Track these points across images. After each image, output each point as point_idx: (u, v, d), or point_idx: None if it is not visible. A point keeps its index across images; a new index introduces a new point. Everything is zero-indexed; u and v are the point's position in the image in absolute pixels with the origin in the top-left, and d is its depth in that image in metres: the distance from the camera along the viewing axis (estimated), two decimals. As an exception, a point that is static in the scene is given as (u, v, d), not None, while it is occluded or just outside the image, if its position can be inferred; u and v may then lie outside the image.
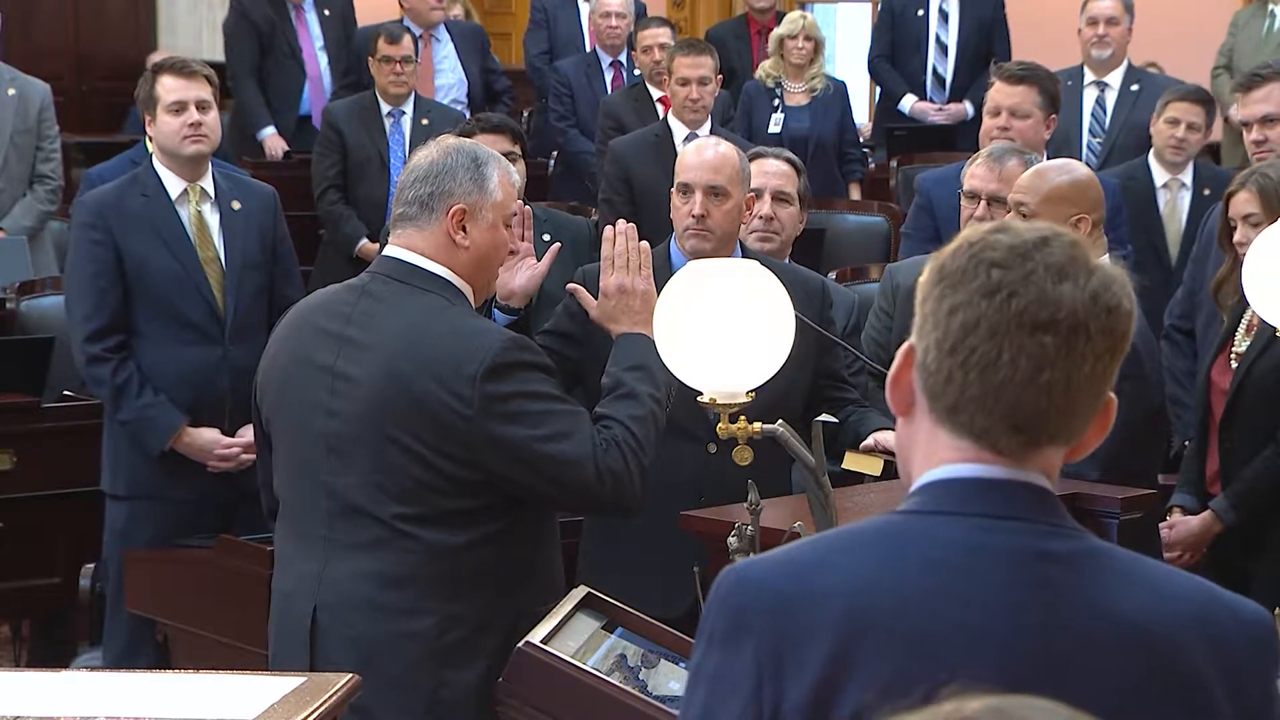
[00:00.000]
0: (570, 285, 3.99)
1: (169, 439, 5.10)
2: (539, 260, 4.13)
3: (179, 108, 5.16)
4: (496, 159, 3.54)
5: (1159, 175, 6.74)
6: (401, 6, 9.29)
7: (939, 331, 1.86)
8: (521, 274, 4.11)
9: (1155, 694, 1.82)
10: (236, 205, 5.24)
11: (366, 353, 3.40)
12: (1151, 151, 6.81)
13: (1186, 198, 6.72)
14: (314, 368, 3.45)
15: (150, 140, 6.11)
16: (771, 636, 1.83)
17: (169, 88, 5.17)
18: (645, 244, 3.78)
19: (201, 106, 5.18)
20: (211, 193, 5.23)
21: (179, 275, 5.12)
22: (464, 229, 3.46)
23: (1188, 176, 6.75)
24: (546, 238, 5.44)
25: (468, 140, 3.61)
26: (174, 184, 5.19)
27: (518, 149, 5.32)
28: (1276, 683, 1.89)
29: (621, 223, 3.81)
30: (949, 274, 1.87)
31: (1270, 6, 8.78)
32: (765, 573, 1.89)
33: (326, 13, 9.32)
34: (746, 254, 4.39)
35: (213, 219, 5.21)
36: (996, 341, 1.83)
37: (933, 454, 1.90)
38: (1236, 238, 4.82)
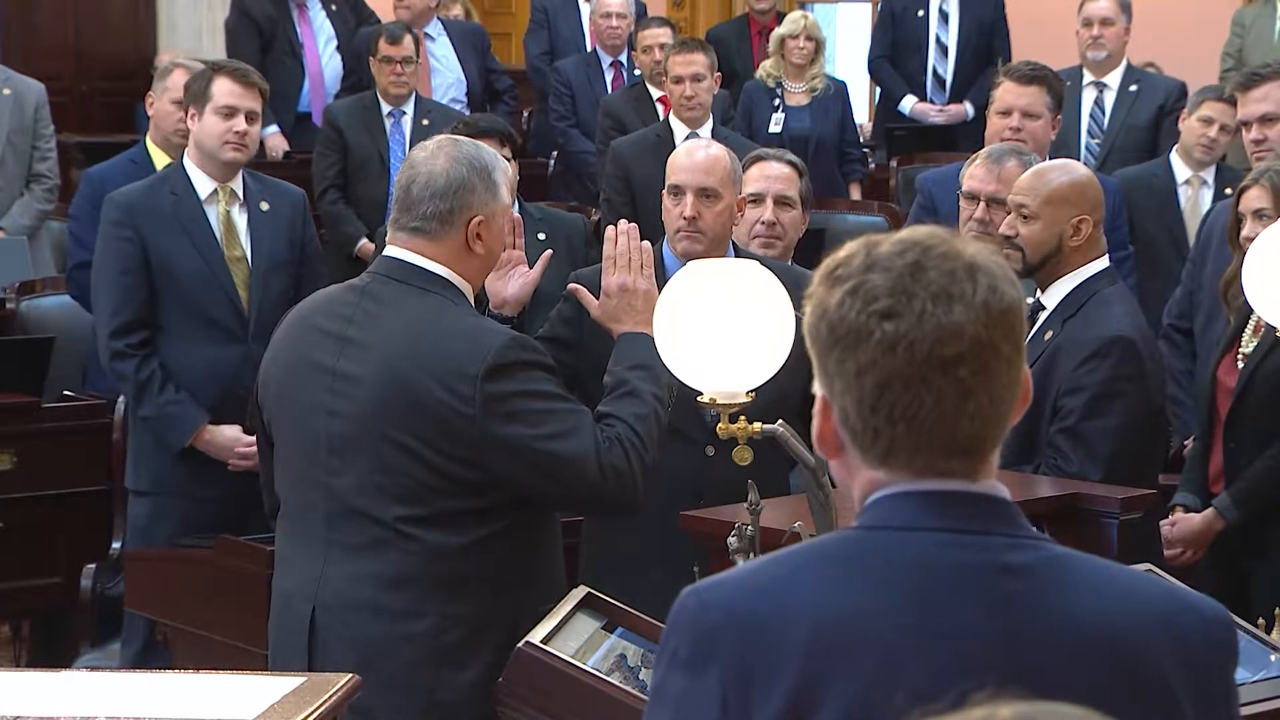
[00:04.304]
0: (571, 286, 3.99)
1: (190, 436, 5.13)
2: (530, 268, 4.14)
3: (229, 112, 5.17)
4: (499, 161, 3.55)
5: (1181, 172, 6.67)
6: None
7: (853, 394, 1.86)
8: (514, 282, 4.12)
9: (1121, 698, 1.82)
10: (265, 206, 5.28)
11: (367, 352, 3.40)
12: (1175, 148, 6.74)
13: (1208, 195, 6.67)
14: (315, 368, 3.45)
15: (150, 139, 6.14)
16: (737, 662, 1.82)
17: (225, 90, 5.19)
18: (647, 244, 3.79)
19: (250, 117, 5.21)
20: (240, 194, 5.26)
21: (205, 274, 5.16)
22: (479, 237, 3.47)
23: (1209, 174, 6.71)
24: (542, 236, 5.44)
25: (466, 140, 3.59)
26: (204, 184, 5.22)
27: (508, 150, 5.29)
28: (1235, 678, 1.93)
29: (624, 223, 3.82)
30: (843, 335, 1.86)
31: (1278, 6, 8.74)
32: (728, 596, 1.87)
33: (334, 7, 9.31)
34: (740, 255, 4.39)
35: (240, 219, 5.25)
36: (914, 391, 1.83)
37: (874, 485, 1.90)
38: (1244, 232, 4.81)
